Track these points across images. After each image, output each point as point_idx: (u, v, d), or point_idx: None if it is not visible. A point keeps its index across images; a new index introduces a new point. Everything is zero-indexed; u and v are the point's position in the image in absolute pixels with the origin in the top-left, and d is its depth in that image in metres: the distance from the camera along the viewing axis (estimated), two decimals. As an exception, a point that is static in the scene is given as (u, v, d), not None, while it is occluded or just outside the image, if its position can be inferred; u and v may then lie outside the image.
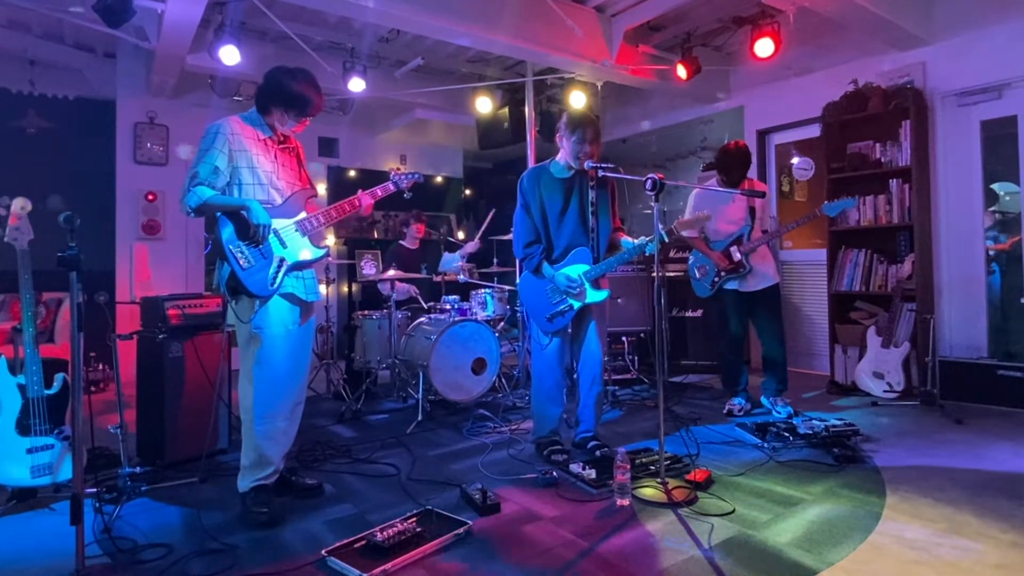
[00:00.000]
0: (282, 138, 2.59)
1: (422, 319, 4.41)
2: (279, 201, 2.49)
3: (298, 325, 2.51)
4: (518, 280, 3.27)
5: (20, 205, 2.51)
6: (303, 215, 2.54)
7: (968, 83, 4.37)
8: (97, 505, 2.44)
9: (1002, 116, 4.31)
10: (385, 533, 2.10)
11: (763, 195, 3.82)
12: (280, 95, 2.48)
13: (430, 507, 2.40)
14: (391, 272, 4.47)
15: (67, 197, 5.53)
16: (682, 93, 5.85)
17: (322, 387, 4.88)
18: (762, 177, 5.59)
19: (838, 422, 3.20)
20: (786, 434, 3.18)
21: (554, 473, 2.75)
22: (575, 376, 3.28)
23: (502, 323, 4.73)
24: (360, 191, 2.70)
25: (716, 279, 3.86)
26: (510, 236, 4.66)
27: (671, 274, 5.12)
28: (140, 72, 5.55)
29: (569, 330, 3.15)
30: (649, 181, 2.61)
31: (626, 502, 2.44)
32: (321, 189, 6.91)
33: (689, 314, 5.09)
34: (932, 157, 4.53)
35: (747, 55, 4.83)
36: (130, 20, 3.76)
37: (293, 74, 2.50)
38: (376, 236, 7.54)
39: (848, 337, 4.58)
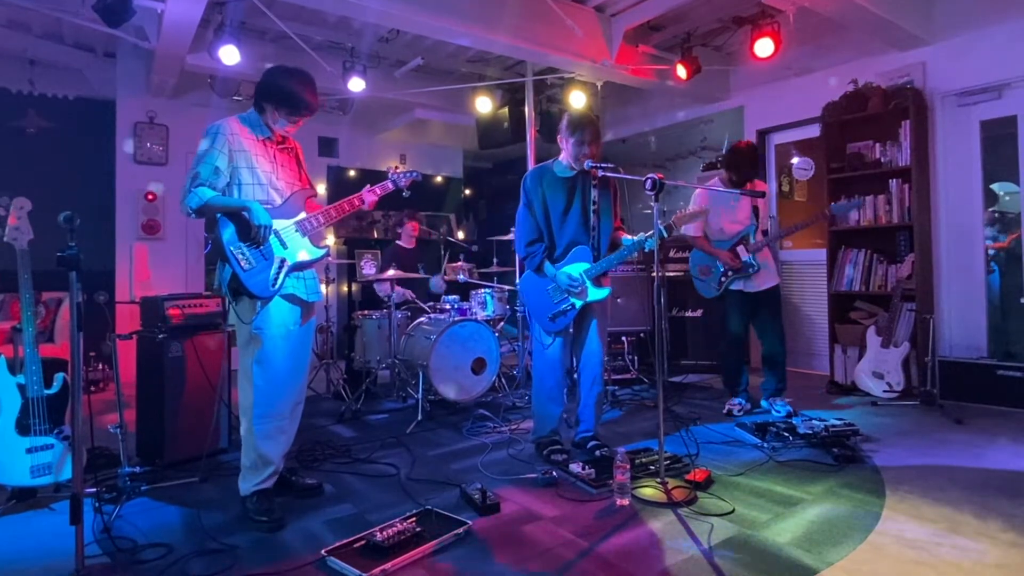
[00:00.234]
0: (281, 138, 2.59)
1: (422, 319, 4.41)
2: (279, 201, 2.49)
3: (299, 325, 2.51)
4: (518, 280, 3.26)
5: (20, 205, 2.51)
6: (303, 215, 2.54)
7: (968, 83, 4.37)
8: (97, 505, 2.44)
9: (1002, 116, 4.31)
10: (385, 533, 2.10)
11: (763, 195, 3.83)
12: (272, 93, 2.48)
13: (430, 507, 2.40)
14: (390, 272, 4.48)
15: (67, 197, 5.52)
16: (682, 93, 5.85)
17: (322, 387, 4.88)
18: (762, 177, 5.59)
19: (838, 422, 3.20)
20: (786, 434, 3.18)
21: (554, 473, 2.75)
22: (575, 376, 3.28)
23: (501, 323, 4.73)
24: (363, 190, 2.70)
25: (723, 279, 3.85)
26: (510, 236, 4.70)
27: (671, 274, 5.12)
28: (140, 72, 5.55)
29: (570, 330, 3.15)
30: (649, 181, 2.62)
31: (626, 502, 2.44)
32: (321, 189, 6.91)
33: (689, 314, 5.09)
34: (932, 157, 4.53)
35: (747, 55, 4.83)
36: (130, 20, 3.76)
37: (287, 73, 2.50)
38: (376, 236, 7.54)
39: (848, 337, 4.58)
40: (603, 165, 2.94)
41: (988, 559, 1.98)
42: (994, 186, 4.47)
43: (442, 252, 5.23)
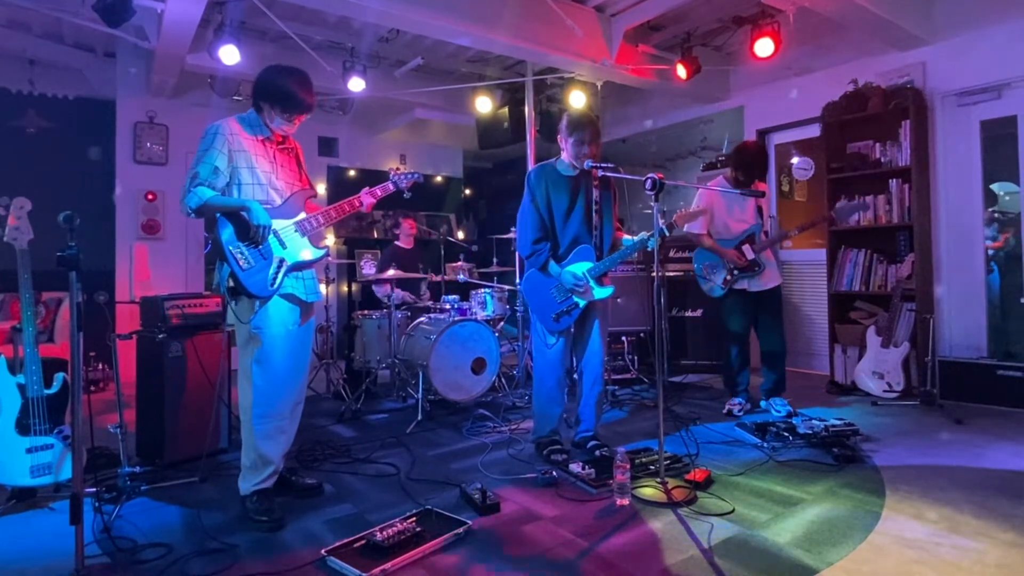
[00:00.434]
0: (281, 138, 2.59)
1: (422, 319, 4.41)
2: (278, 201, 2.49)
3: (298, 325, 2.51)
4: (520, 279, 3.25)
5: (20, 205, 2.51)
6: (302, 215, 2.54)
7: (968, 83, 4.37)
8: (97, 505, 2.44)
9: (1002, 116, 4.31)
10: (385, 533, 2.10)
11: (763, 195, 3.82)
12: (267, 92, 2.48)
13: (430, 507, 2.40)
14: (390, 272, 4.47)
15: (67, 197, 5.52)
16: (682, 93, 5.85)
17: (322, 387, 4.88)
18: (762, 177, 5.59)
19: (838, 422, 3.20)
20: (786, 434, 3.18)
21: (554, 473, 2.75)
22: (575, 375, 3.28)
23: (501, 323, 4.73)
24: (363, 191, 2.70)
25: (728, 278, 3.84)
26: (510, 235, 4.70)
27: (671, 274, 5.12)
28: (140, 72, 5.55)
29: (571, 329, 3.15)
30: (649, 181, 2.61)
31: (626, 502, 2.44)
32: (321, 189, 6.91)
33: (689, 314, 5.09)
34: (932, 157, 4.53)
35: (747, 55, 4.83)
36: (130, 20, 3.76)
37: (282, 72, 2.50)
38: (376, 236, 7.54)
39: (848, 337, 4.58)
40: (603, 165, 2.94)
41: (988, 559, 1.98)
42: (994, 186, 4.47)
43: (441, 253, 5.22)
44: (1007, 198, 4.47)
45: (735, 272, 3.82)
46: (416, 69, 5.79)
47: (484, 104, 5.96)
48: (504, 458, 3.13)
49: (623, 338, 4.93)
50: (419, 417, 3.83)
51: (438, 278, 4.92)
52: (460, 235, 8.06)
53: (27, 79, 5.45)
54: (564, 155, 3.11)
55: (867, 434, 3.31)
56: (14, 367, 2.59)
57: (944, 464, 2.89)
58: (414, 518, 2.27)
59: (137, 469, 2.74)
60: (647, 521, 2.31)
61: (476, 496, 2.46)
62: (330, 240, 6.50)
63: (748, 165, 3.79)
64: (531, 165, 5.03)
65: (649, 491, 2.54)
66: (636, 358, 5.01)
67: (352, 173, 7.27)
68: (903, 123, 4.41)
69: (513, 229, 4.35)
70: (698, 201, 3.98)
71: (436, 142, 7.92)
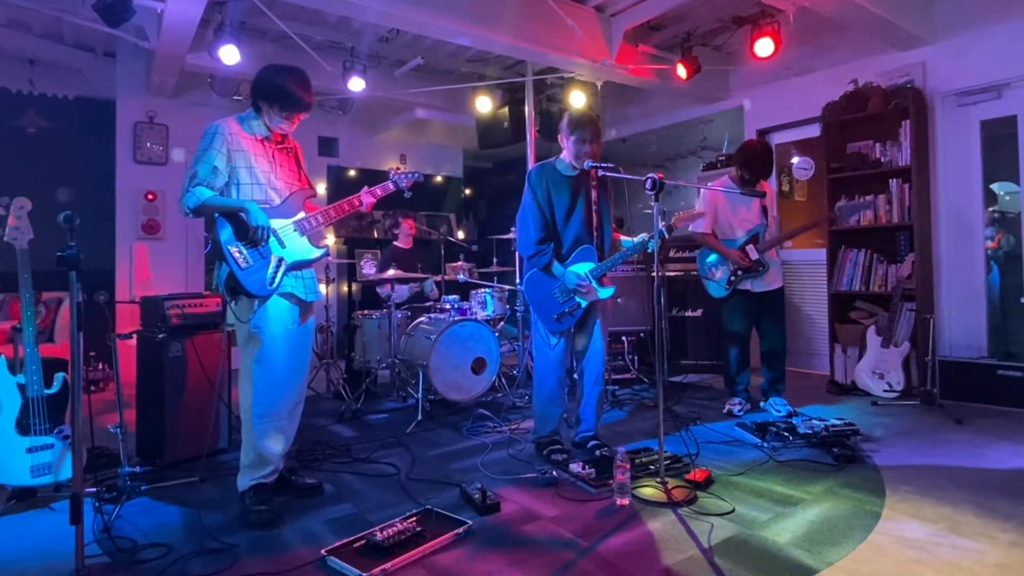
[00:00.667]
0: (280, 138, 2.59)
1: (422, 319, 4.41)
2: (277, 201, 2.49)
3: (297, 325, 2.51)
4: (520, 279, 3.24)
5: (20, 205, 2.51)
6: (301, 215, 2.54)
7: (968, 83, 4.37)
8: (97, 504, 2.44)
9: (1002, 116, 4.31)
10: (385, 532, 2.10)
11: (764, 195, 3.82)
12: (265, 91, 2.48)
13: (430, 507, 2.41)
14: (389, 272, 4.47)
15: (67, 197, 5.52)
16: (682, 93, 5.85)
17: (322, 387, 4.88)
18: (766, 176, 5.59)
19: (838, 422, 3.20)
20: (786, 434, 3.18)
21: (554, 473, 2.75)
22: (575, 375, 3.28)
23: (501, 323, 4.73)
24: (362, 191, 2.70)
25: (732, 278, 3.84)
26: (510, 235, 4.70)
27: (671, 273, 5.12)
28: (140, 72, 5.55)
29: (571, 330, 3.15)
30: (649, 180, 2.61)
31: (626, 502, 2.44)
32: (321, 189, 6.91)
33: (689, 314, 5.09)
34: (932, 157, 4.52)
35: (747, 55, 4.83)
36: (130, 20, 3.76)
37: (280, 70, 2.50)
38: (376, 236, 7.54)
39: (848, 337, 4.58)
40: (603, 165, 2.94)
41: (988, 559, 1.98)
42: (994, 186, 4.47)
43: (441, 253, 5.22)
44: (1007, 198, 4.48)
45: (739, 273, 3.81)
46: (416, 69, 5.79)
47: (484, 104, 5.96)
48: (504, 458, 3.13)
49: (623, 338, 4.93)
50: (419, 417, 3.83)
51: (438, 278, 4.93)
52: (460, 235, 8.06)
53: (27, 79, 5.45)
54: (564, 154, 3.10)
55: (867, 434, 3.31)
56: (14, 367, 2.59)
57: (944, 464, 2.89)
58: (414, 518, 2.27)
59: (137, 469, 2.74)
60: (647, 521, 2.31)
61: (476, 496, 2.46)
62: (330, 240, 6.50)
63: (752, 164, 3.79)
64: (531, 165, 5.03)
65: (649, 491, 2.54)
66: (636, 358, 5.01)
67: (352, 173, 7.27)
68: (903, 123, 4.41)
69: (513, 229, 4.35)
70: (702, 201, 3.98)
71: (436, 142, 7.92)
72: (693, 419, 3.73)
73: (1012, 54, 4.15)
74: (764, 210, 3.85)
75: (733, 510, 2.38)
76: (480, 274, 5.24)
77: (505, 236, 4.83)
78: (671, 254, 5.22)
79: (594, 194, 3.09)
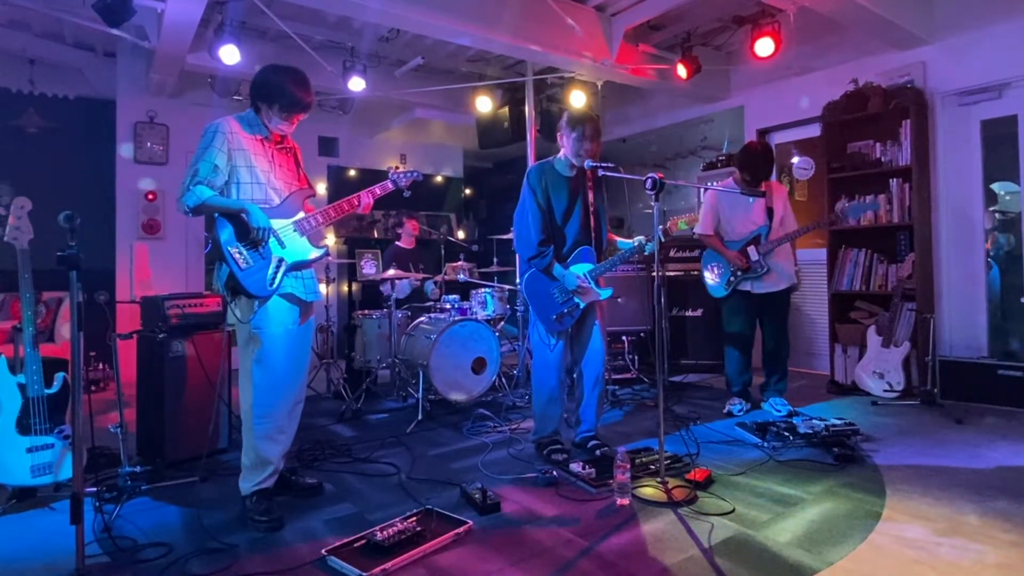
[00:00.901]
0: (279, 138, 2.59)
1: (422, 319, 4.41)
2: (277, 201, 2.49)
3: (297, 325, 2.51)
4: (520, 279, 3.23)
5: (20, 205, 2.51)
6: (301, 215, 2.54)
7: (968, 83, 4.37)
8: (97, 504, 2.45)
9: (1002, 116, 4.31)
10: (385, 532, 2.10)
11: (764, 195, 3.82)
12: (265, 91, 2.48)
13: (430, 506, 2.41)
14: (390, 272, 4.47)
15: (67, 197, 5.52)
16: (682, 92, 5.85)
17: (322, 386, 4.88)
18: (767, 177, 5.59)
19: (838, 421, 3.21)
20: (786, 433, 3.18)
21: (554, 472, 2.75)
22: (575, 376, 3.28)
23: (501, 323, 4.72)
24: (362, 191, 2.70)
25: (732, 279, 3.85)
26: (510, 236, 4.68)
27: (671, 274, 5.12)
28: (140, 71, 5.54)
29: (570, 330, 3.15)
30: (649, 180, 2.61)
31: (626, 501, 2.44)
32: (321, 189, 6.91)
33: (689, 313, 5.09)
34: (932, 157, 4.52)
35: (747, 54, 4.83)
36: (130, 19, 3.76)
37: (279, 70, 2.50)
38: (376, 235, 7.54)
39: (848, 337, 4.58)
40: (603, 165, 2.94)
41: (988, 559, 1.98)
42: (994, 186, 4.47)
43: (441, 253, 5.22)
44: (1007, 198, 4.47)
45: (737, 274, 3.82)
46: (416, 69, 5.78)
47: (484, 104, 5.96)
48: (504, 458, 3.13)
49: (623, 338, 4.93)
50: (419, 417, 3.83)
51: (438, 278, 4.93)
52: (460, 235, 8.06)
53: (27, 79, 5.45)
54: (563, 152, 3.09)
55: (867, 434, 3.31)
56: (15, 367, 2.59)
57: (944, 464, 2.89)
58: (414, 518, 2.28)
59: (137, 469, 2.74)
60: (647, 521, 2.31)
61: (476, 496, 2.46)
62: (330, 240, 6.50)
63: (752, 165, 3.80)
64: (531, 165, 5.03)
65: (649, 491, 2.54)
66: (636, 358, 5.01)
67: (352, 173, 7.27)
68: (903, 123, 4.41)
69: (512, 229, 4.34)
70: (705, 203, 3.99)
71: (436, 142, 7.92)
72: (693, 419, 3.73)
73: (1012, 54, 4.14)
74: (769, 212, 3.84)
75: (733, 510, 2.38)
76: (480, 274, 5.24)
77: (505, 236, 4.82)
78: (671, 254, 5.22)
79: (591, 195, 3.09)
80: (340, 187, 6.96)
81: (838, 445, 3.00)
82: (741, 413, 3.83)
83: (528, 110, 5.52)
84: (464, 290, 4.88)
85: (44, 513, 2.53)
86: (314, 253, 2.54)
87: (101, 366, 5.08)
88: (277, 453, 2.47)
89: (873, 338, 4.25)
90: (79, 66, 5.60)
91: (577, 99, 5.52)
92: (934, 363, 3.99)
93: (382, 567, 1.93)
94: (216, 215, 2.34)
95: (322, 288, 2.75)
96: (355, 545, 2.09)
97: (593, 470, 2.72)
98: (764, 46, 4.48)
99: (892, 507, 2.39)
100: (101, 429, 2.96)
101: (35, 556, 2.16)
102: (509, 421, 3.79)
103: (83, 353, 2.13)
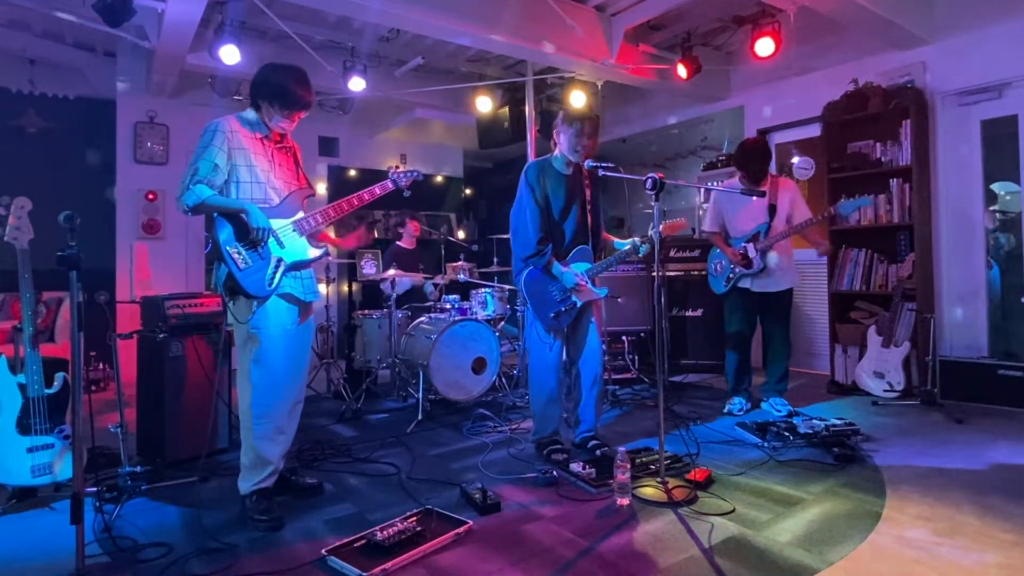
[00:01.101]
0: (279, 137, 2.59)
1: (422, 319, 4.41)
2: (276, 200, 2.49)
3: (296, 325, 2.51)
4: (515, 277, 3.22)
5: (20, 205, 2.51)
6: (300, 215, 2.54)
7: (968, 83, 4.37)
8: (97, 504, 2.45)
9: (1002, 116, 4.30)
10: (385, 532, 2.10)
11: (763, 194, 3.81)
12: (265, 90, 2.48)
13: (430, 506, 2.41)
14: (390, 272, 4.47)
15: (67, 197, 5.52)
16: (682, 92, 5.85)
17: (322, 386, 4.88)
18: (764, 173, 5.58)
19: (838, 421, 3.21)
20: (786, 433, 3.18)
21: (554, 472, 2.75)
22: (574, 376, 3.28)
23: (502, 323, 4.72)
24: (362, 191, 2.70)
25: (731, 275, 3.87)
26: (510, 236, 4.68)
27: (671, 273, 5.12)
28: (140, 71, 5.54)
29: (567, 330, 3.14)
30: (649, 180, 2.62)
31: (626, 501, 2.44)
32: (321, 188, 6.91)
33: (689, 313, 5.09)
34: (932, 157, 4.52)
35: (747, 54, 4.83)
36: (130, 19, 3.75)
37: (279, 69, 2.50)
38: (376, 236, 7.54)
39: (848, 337, 4.58)
40: (603, 164, 2.93)
41: (989, 559, 1.98)
42: (994, 186, 4.47)
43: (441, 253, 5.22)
44: (1007, 198, 4.47)
45: (736, 270, 3.83)
46: (416, 69, 5.78)
47: (484, 104, 5.96)
48: (504, 458, 3.13)
49: (623, 338, 4.93)
50: (419, 417, 3.83)
51: (438, 278, 4.92)
52: (460, 235, 8.05)
53: (27, 79, 5.45)
54: (559, 149, 3.08)
55: (867, 434, 3.31)
56: (15, 367, 2.59)
57: (944, 464, 2.89)
58: (414, 518, 2.28)
59: (137, 469, 2.74)
60: (647, 521, 2.31)
61: (476, 496, 2.46)
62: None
63: (748, 162, 3.80)
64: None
65: (649, 491, 2.54)
66: (636, 358, 5.01)
67: (352, 173, 7.26)
68: (903, 123, 4.40)
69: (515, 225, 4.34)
70: (713, 206, 4.04)
71: (436, 142, 7.92)
72: (693, 419, 3.73)
73: (1012, 54, 4.14)
74: (772, 209, 3.83)
75: (733, 510, 2.38)
76: (480, 274, 5.24)
77: (505, 236, 4.79)
78: (671, 254, 5.22)
79: (588, 193, 3.09)
80: (340, 187, 6.95)
81: (838, 445, 3.00)
82: (741, 413, 3.82)
83: (528, 110, 5.52)
84: (464, 290, 4.87)
85: (44, 513, 2.53)
86: (313, 253, 2.54)
87: (101, 366, 5.08)
88: (276, 453, 2.47)
89: (873, 338, 4.25)
90: (79, 66, 5.60)
91: (577, 99, 5.51)
92: (934, 363, 3.99)
93: (382, 567, 1.93)
94: (215, 215, 2.34)
95: (322, 288, 2.75)
96: (355, 545, 2.09)
97: (593, 470, 2.72)
98: (764, 46, 4.48)
99: (892, 507, 2.39)
100: (101, 429, 2.96)
101: (35, 556, 2.16)
102: (509, 421, 3.79)
103: (83, 353, 2.13)
